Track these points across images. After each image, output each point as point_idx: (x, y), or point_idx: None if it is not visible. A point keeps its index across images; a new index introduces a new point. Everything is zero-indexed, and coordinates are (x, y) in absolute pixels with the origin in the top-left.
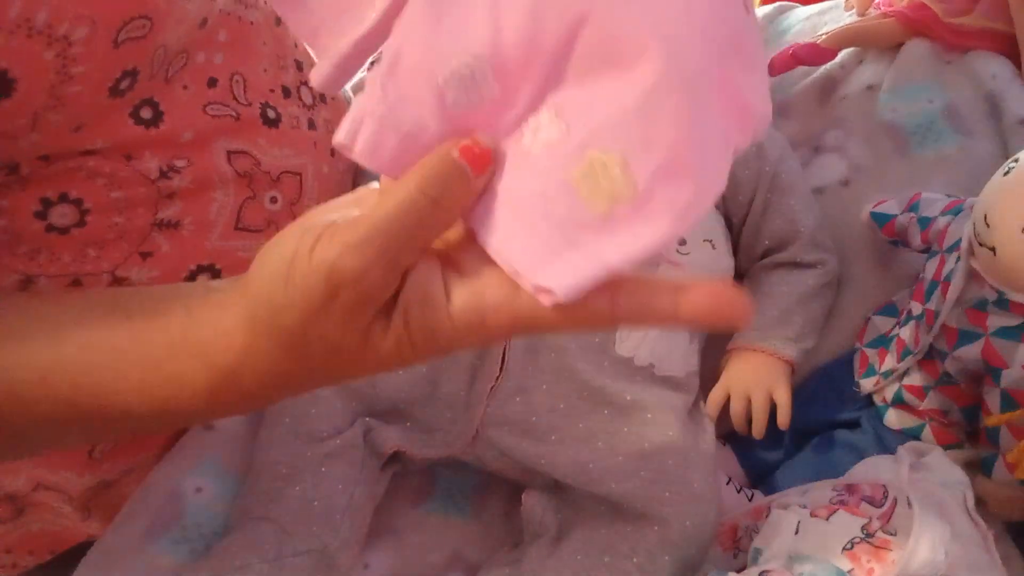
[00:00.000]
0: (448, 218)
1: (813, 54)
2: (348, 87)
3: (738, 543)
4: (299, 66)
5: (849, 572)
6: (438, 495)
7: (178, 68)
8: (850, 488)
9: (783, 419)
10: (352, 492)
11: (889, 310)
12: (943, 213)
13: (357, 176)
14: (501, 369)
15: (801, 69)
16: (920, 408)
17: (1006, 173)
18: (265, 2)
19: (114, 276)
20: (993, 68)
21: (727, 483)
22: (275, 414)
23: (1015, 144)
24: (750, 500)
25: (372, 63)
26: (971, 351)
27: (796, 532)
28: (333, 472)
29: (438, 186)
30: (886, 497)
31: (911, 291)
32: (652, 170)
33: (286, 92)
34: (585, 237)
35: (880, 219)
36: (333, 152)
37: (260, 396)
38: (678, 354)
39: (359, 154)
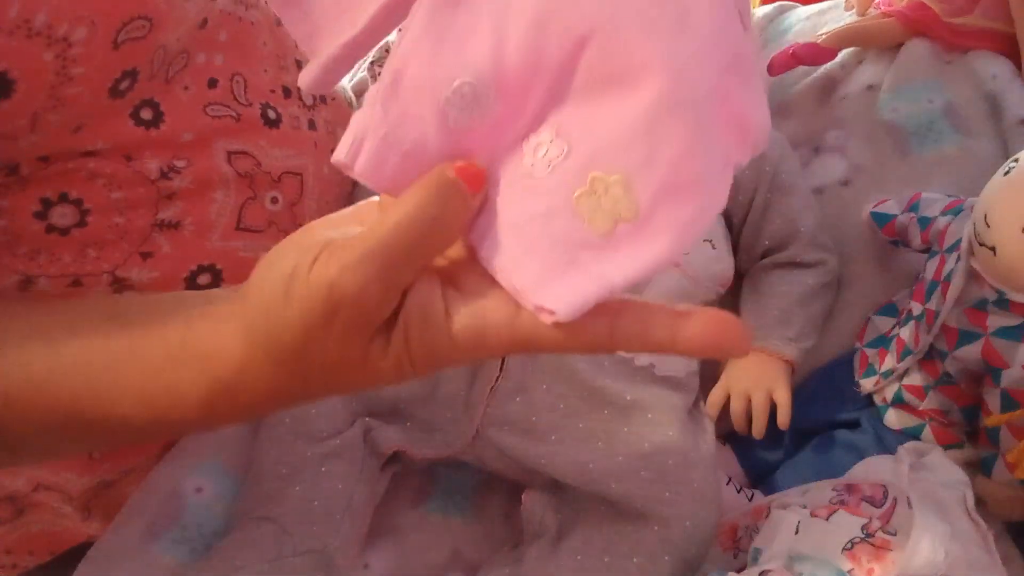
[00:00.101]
0: (447, 237)
1: (813, 54)
2: (348, 88)
3: (738, 543)
4: (300, 66)
5: (849, 572)
6: (438, 495)
7: (178, 69)
8: (850, 488)
9: (783, 419)
10: (352, 492)
11: (889, 310)
12: (943, 213)
13: None
14: (501, 369)
15: (801, 69)
16: (920, 408)
17: (1006, 173)
18: (266, 2)
19: (114, 276)
20: (993, 68)
21: (727, 483)
22: (275, 414)
23: (1015, 144)
24: (750, 500)
25: (372, 62)
26: (971, 351)
27: (796, 532)
28: (333, 472)
29: (437, 205)
30: (886, 497)
31: (911, 291)
32: (654, 190)
33: (287, 92)
34: (586, 256)
35: (880, 219)
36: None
37: (258, 408)
38: None
39: (360, 173)
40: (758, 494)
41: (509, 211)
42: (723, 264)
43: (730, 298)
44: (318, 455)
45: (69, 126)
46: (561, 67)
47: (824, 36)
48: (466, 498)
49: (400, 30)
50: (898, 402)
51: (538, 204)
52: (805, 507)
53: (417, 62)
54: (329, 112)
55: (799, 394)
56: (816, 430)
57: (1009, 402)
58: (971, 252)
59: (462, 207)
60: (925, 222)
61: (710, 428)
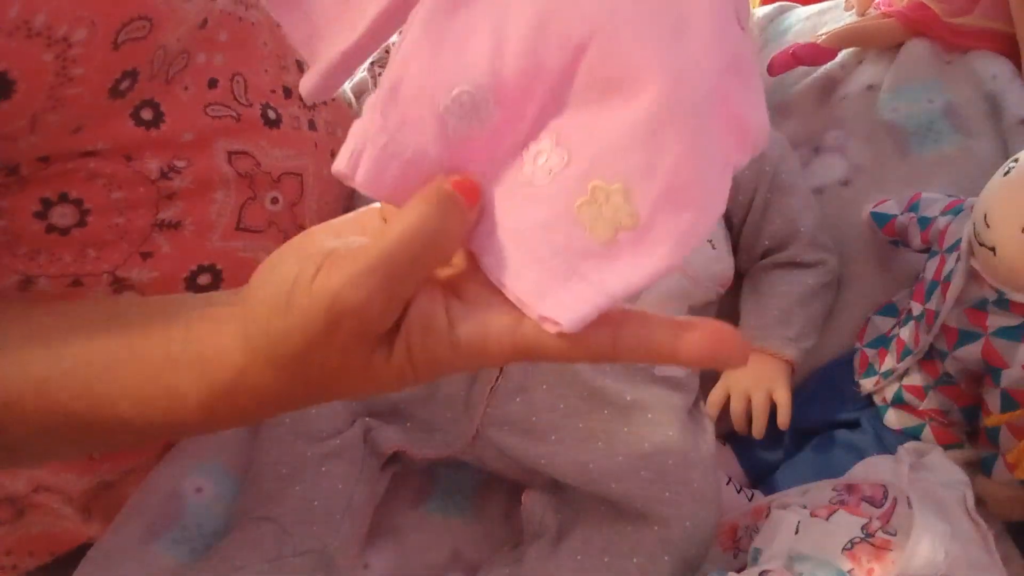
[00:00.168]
0: (448, 249)
1: (813, 54)
2: (348, 89)
3: (738, 543)
4: (300, 66)
5: (849, 572)
6: (438, 495)
7: (178, 69)
8: (850, 488)
9: (783, 419)
10: (352, 492)
11: (889, 310)
12: (943, 213)
13: None
14: (501, 369)
15: (801, 69)
16: (920, 408)
17: (1006, 173)
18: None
19: (114, 276)
20: (993, 68)
21: (727, 483)
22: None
23: (1015, 144)
24: (750, 500)
25: (372, 63)
26: (971, 351)
27: (796, 532)
28: (333, 472)
29: (437, 218)
30: (886, 497)
31: (911, 291)
32: (654, 198)
33: (287, 92)
34: (588, 266)
35: (880, 219)
36: (334, 153)
37: (258, 411)
38: None
39: (360, 182)
40: (758, 494)
41: (510, 220)
42: (723, 264)
43: (730, 298)
44: (318, 455)
45: (69, 126)
46: (560, 74)
47: (824, 36)
48: (466, 498)
49: (400, 34)
50: (898, 402)
51: (539, 213)
52: (805, 507)
53: (416, 70)
54: (329, 113)
55: (799, 394)
56: (816, 430)
57: (1009, 402)
58: (971, 252)
59: (460, 220)
60: (925, 222)
61: (710, 428)
